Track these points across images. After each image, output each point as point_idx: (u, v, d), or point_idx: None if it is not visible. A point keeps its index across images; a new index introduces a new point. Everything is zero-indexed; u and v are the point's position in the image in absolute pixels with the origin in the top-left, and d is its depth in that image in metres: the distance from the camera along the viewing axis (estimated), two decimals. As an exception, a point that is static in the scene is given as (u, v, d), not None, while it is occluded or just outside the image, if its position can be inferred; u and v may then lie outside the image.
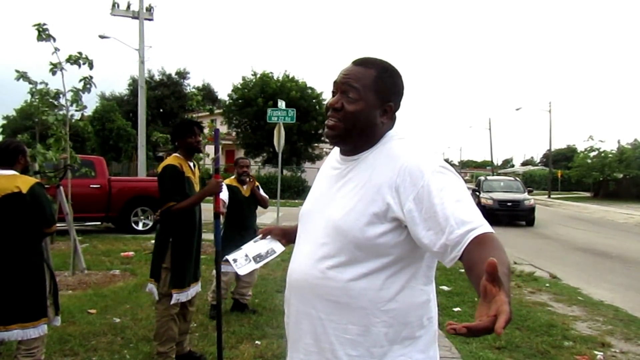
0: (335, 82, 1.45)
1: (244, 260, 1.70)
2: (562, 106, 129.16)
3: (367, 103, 1.39)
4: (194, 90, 18.67)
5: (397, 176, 1.30)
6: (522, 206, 16.31)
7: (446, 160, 1.38)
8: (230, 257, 1.74)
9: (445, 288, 6.45)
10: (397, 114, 1.47)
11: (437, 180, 1.26)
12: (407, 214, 1.27)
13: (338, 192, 1.42)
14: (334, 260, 1.36)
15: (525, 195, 17.14)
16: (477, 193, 17.61)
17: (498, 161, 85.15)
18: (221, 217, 3.82)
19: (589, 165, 36.22)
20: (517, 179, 20.80)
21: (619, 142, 42.91)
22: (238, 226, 4.94)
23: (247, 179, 5.07)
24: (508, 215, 16.08)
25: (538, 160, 75.78)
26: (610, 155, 36.02)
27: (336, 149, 1.53)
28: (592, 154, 36.77)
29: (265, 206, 5.30)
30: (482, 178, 19.95)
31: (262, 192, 5.22)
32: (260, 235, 1.78)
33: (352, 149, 1.44)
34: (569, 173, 39.83)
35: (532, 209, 16.36)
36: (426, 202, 1.24)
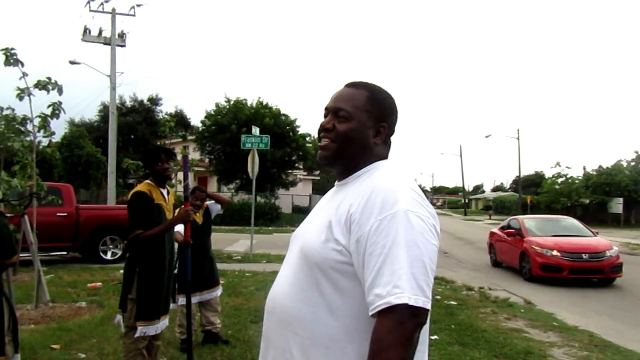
0: (326, 107, 1.41)
1: None
2: (530, 133, 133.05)
3: (359, 122, 1.35)
4: (166, 116, 18.50)
5: (355, 207, 1.24)
6: None
7: (419, 186, 1.32)
8: None
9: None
10: (392, 138, 1.44)
11: (380, 227, 1.18)
12: (351, 251, 1.23)
13: (316, 218, 1.36)
14: (300, 290, 1.27)
15: None
16: None
17: (469, 187, 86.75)
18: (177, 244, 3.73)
19: (557, 191, 37.12)
20: None
21: (584, 168, 44.34)
22: (194, 253, 4.86)
23: (198, 208, 5.02)
24: None
25: (508, 186, 77.28)
26: (576, 181, 37.04)
27: None
28: (560, 180, 37.74)
29: (225, 202, 5.29)
30: None
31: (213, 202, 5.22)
32: None
33: (344, 171, 1.39)
34: (538, 198, 40.63)
35: None
36: (362, 249, 1.19)
